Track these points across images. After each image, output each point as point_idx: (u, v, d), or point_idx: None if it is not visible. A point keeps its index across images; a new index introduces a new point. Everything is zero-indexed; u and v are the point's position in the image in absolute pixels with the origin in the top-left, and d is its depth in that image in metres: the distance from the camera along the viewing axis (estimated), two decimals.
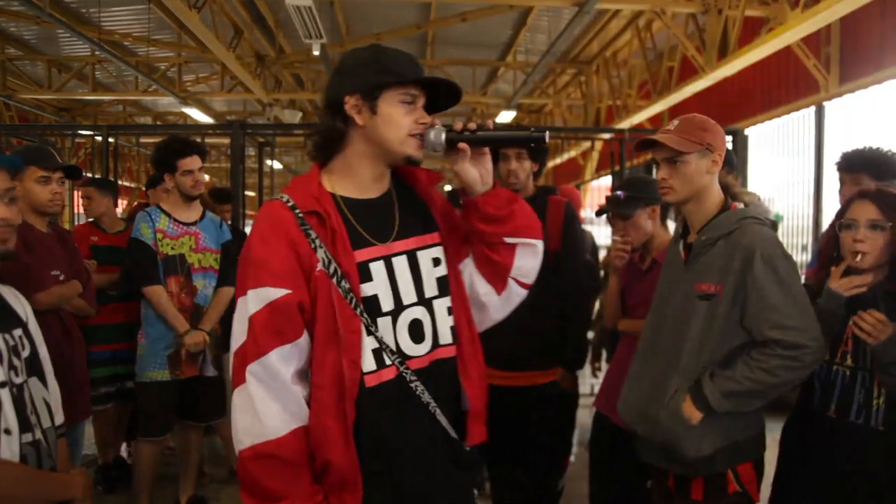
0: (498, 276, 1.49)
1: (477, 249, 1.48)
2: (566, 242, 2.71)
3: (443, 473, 1.40)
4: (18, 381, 1.39)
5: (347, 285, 1.31)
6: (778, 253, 1.74)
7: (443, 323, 1.42)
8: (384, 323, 1.35)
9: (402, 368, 1.34)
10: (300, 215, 1.32)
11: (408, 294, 1.38)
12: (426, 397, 1.36)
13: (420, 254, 1.42)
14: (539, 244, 1.50)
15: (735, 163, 3.38)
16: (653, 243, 2.52)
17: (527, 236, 1.47)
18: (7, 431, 1.32)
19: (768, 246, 1.73)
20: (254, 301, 1.28)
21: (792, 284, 1.72)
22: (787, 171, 6.69)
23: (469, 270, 1.50)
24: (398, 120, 1.35)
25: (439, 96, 1.42)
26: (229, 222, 4.06)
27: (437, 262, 1.44)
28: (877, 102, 5.67)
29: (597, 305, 4.31)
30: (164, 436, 3.15)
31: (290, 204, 1.34)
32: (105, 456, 3.70)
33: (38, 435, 1.41)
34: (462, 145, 1.38)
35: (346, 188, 1.40)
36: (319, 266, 1.30)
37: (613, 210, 2.53)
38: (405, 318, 1.38)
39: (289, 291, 1.28)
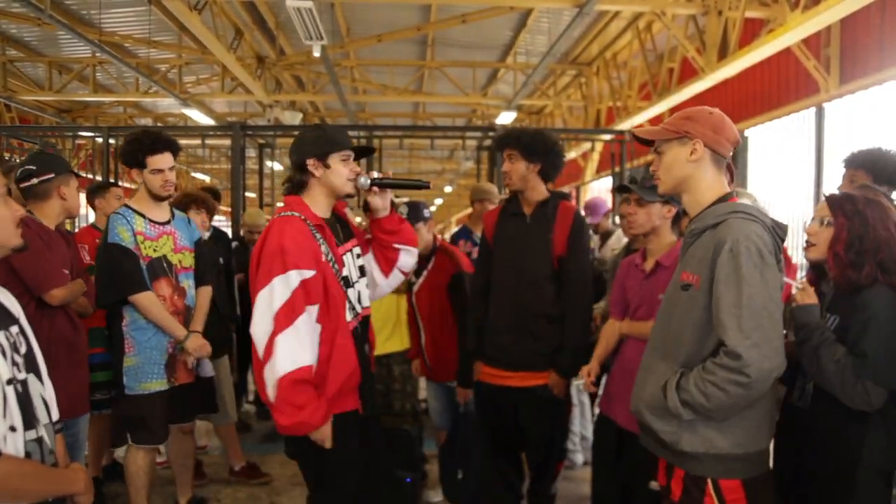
0: (388, 266, 2.38)
1: (376, 249, 2.38)
2: (571, 249, 2.72)
3: (370, 377, 2.33)
4: (21, 377, 1.43)
5: (337, 268, 2.13)
6: (751, 249, 1.60)
7: (364, 294, 2.30)
8: (352, 292, 2.20)
9: (358, 319, 2.22)
10: (311, 225, 2.10)
11: (355, 275, 2.26)
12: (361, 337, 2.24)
13: (353, 251, 2.29)
14: (414, 250, 2.39)
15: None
16: (657, 244, 2.49)
17: (408, 244, 2.37)
18: (12, 428, 1.34)
19: (743, 240, 1.61)
20: (296, 277, 1.99)
21: (752, 284, 1.58)
22: (788, 172, 6.70)
23: (370, 262, 2.37)
24: (341, 171, 2.14)
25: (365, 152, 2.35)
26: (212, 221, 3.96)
27: (357, 256, 2.31)
28: (877, 103, 5.67)
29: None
30: (161, 443, 2.94)
31: (301, 218, 2.10)
32: (95, 468, 3.51)
33: (41, 432, 1.44)
34: (374, 188, 2.24)
35: (316, 212, 2.17)
36: (323, 257, 2.09)
37: (636, 189, 2.46)
38: (356, 289, 2.24)
39: (315, 272, 2.04)
